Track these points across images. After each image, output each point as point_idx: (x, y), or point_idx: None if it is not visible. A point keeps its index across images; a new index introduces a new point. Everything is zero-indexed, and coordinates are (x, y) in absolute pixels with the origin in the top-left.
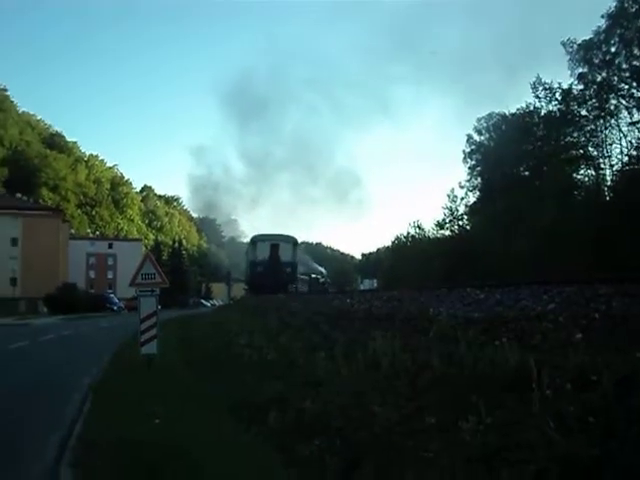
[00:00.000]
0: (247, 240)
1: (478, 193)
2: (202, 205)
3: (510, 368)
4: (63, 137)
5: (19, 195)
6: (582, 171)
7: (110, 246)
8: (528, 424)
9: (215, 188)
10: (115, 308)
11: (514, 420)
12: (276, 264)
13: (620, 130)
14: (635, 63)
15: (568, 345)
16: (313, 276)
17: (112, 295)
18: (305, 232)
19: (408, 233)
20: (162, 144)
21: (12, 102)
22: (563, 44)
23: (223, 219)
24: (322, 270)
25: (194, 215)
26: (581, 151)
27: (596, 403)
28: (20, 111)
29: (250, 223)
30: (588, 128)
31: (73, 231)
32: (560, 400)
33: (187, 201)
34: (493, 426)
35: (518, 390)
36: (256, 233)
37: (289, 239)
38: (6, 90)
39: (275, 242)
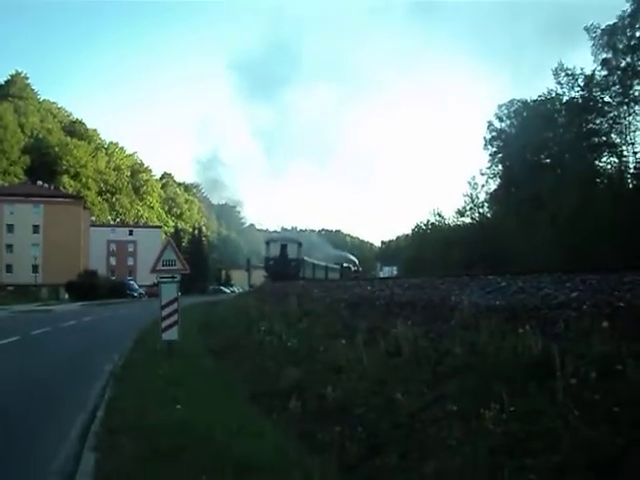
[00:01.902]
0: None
1: (499, 180)
2: (207, 183)
3: (533, 356)
4: (83, 125)
5: (40, 183)
6: (605, 158)
7: (130, 233)
8: (552, 413)
9: (220, 167)
10: (136, 295)
11: (537, 409)
12: (284, 259)
13: None
14: None
15: (592, 333)
16: (345, 265)
17: (132, 282)
18: (323, 219)
19: (428, 220)
20: (182, 131)
21: (33, 90)
22: (586, 29)
23: (227, 198)
24: (354, 259)
25: (213, 202)
26: (604, 138)
27: (621, 392)
28: (41, 99)
29: (262, 207)
30: (611, 115)
31: (94, 218)
32: (585, 389)
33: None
34: (516, 415)
35: (541, 379)
36: (270, 232)
37: (294, 241)
38: (27, 78)
39: (284, 243)
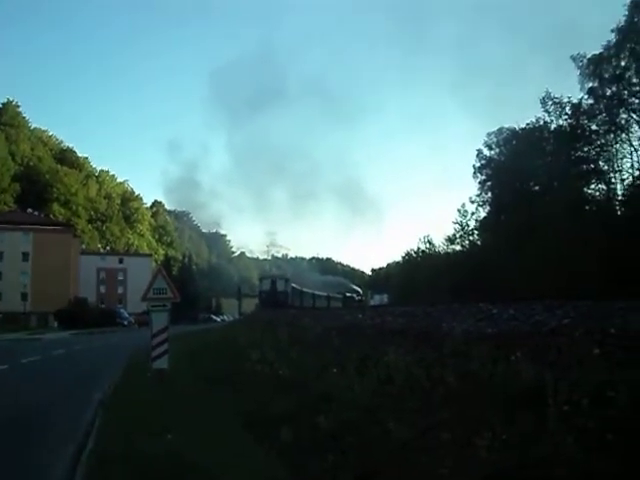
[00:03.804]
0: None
1: (488, 208)
2: (180, 204)
3: (525, 383)
4: (74, 153)
5: (30, 210)
6: (593, 186)
7: (120, 261)
8: (545, 441)
9: (199, 191)
10: (126, 323)
11: (530, 436)
12: (274, 292)
13: (631, 144)
14: None
15: (584, 360)
16: (348, 294)
17: (122, 310)
18: (313, 246)
19: (419, 248)
20: (172, 159)
21: (24, 118)
22: (573, 58)
23: (209, 223)
24: (358, 289)
25: (204, 231)
26: (592, 166)
27: (614, 419)
28: (32, 127)
29: (249, 233)
30: (598, 142)
31: (84, 246)
32: (577, 416)
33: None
34: (509, 442)
35: (534, 406)
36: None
37: (283, 277)
38: (18, 106)
39: (274, 279)
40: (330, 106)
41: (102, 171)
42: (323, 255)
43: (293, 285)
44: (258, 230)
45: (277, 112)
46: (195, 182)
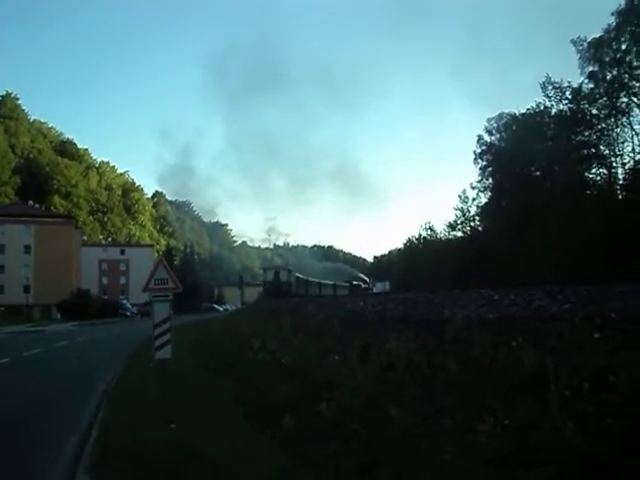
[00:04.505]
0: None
1: (489, 194)
2: (175, 193)
3: (526, 369)
4: (74, 144)
5: (31, 203)
6: (594, 170)
7: (122, 252)
8: (546, 425)
9: (193, 177)
10: (128, 314)
11: (531, 421)
12: (277, 282)
13: (632, 128)
14: None
15: (585, 345)
16: (354, 283)
17: (125, 301)
18: (315, 234)
19: (420, 235)
20: (173, 149)
21: (23, 110)
22: (573, 42)
23: (201, 209)
24: (365, 278)
25: (205, 220)
26: (592, 150)
27: (615, 403)
28: (31, 119)
29: (251, 222)
30: (599, 127)
31: (85, 238)
32: (578, 401)
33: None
34: (510, 428)
35: (535, 391)
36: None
37: (285, 268)
38: (17, 98)
39: (277, 270)
40: (329, 92)
41: (102, 162)
42: (325, 243)
43: (298, 275)
44: (257, 217)
45: (275, 98)
46: (190, 169)
